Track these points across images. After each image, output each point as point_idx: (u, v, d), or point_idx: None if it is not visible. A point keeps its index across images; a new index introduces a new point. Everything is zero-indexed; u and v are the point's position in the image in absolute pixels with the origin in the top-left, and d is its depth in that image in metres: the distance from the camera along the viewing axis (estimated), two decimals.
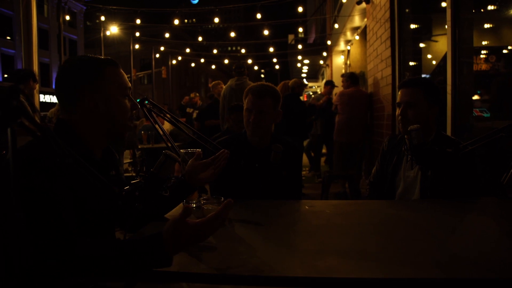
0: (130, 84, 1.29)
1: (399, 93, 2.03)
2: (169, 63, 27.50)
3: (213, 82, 6.87)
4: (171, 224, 0.95)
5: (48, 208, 0.96)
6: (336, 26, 10.62)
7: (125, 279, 0.97)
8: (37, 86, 4.36)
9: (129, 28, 18.34)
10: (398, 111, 2.00)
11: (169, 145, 1.76)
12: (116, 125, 1.23)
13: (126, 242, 0.97)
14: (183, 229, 0.95)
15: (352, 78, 5.71)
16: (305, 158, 7.30)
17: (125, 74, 1.28)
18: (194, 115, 8.21)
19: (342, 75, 6.09)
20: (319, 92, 10.47)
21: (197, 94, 9.19)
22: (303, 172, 6.65)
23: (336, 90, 7.28)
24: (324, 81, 8.65)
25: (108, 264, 0.92)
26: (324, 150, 7.55)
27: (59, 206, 0.98)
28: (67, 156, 1.02)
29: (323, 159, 7.75)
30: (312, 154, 7.28)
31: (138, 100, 1.70)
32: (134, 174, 7.07)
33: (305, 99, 8.73)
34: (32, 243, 0.93)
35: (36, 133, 1.02)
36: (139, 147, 6.52)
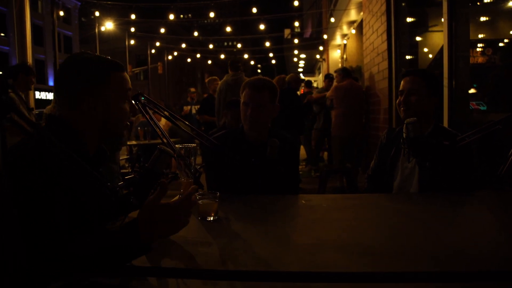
0: (130, 86, 1.27)
1: (402, 81, 2.07)
2: (165, 58, 27.38)
3: (209, 78, 6.78)
4: (145, 206, 0.96)
5: (40, 206, 0.95)
6: (332, 20, 10.60)
7: (119, 276, 0.96)
8: (33, 81, 4.31)
9: (124, 23, 18.23)
10: (400, 99, 2.04)
11: (165, 141, 1.74)
12: (113, 128, 1.22)
13: (104, 234, 0.97)
14: (158, 209, 0.96)
15: (344, 71, 5.71)
16: (302, 153, 7.29)
17: (127, 76, 1.25)
18: (194, 110, 8.19)
19: (335, 71, 6.09)
20: (317, 86, 10.46)
21: (192, 90, 9.12)
22: (300, 167, 6.64)
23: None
24: (321, 75, 8.60)
25: (90, 259, 0.92)
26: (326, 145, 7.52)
27: (51, 204, 0.96)
28: (60, 152, 1.00)
29: (325, 153, 7.73)
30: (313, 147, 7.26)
31: (133, 96, 1.68)
32: (130, 170, 7.04)
33: (302, 92, 8.65)
34: (25, 241, 0.92)
35: (27, 129, 1.01)
36: (135, 143, 6.50)
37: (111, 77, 1.18)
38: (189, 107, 8.68)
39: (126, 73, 1.25)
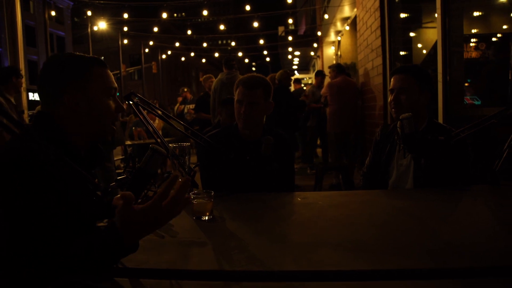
0: (116, 85, 1.24)
1: (391, 80, 2.04)
2: (159, 57, 27.26)
3: (204, 76, 6.79)
4: (117, 214, 0.91)
5: (28, 209, 0.92)
6: (326, 16, 10.58)
7: (111, 277, 0.94)
8: (23, 82, 4.27)
9: (117, 23, 18.13)
10: (391, 98, 2.02)
11: (158, 140, 1.72)
12: (97, 126, 1.19)
13: (88, 236, 0.93)
14: (131, 216, 0.89)
15: (338, 68, 5.69)
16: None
17: (111, 74, 1.24)
18: (186, 110, 8.15)
19: (329, 67, 6.08)
20: (311, 83, 10.44)
21: (185, 89, 9.07)
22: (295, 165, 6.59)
23: (326, 79, 7.24)
24: (315, 72, 8.53)
25: (79, 261, 0.89)
26: (318, 142, 7.53)
27: (39, 206, 0.94)
28: (48, 154, 0.98)
29: (319, 150, 7.73)
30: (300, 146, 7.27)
31: (125, 95, 1.66)
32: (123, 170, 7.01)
33: (296, 87, 8.51)
34: (16, 246, 0.90)
35: (14, 130, 0.99)
36: (130, 143, 6.46)
37: (92, 71, 1.16)
38: (182, 106, 8.63)
39: (108, 70, 1.23)
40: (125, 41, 21.44)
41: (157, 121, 5.80)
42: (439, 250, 1.08)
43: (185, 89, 9.02)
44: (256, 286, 0.95)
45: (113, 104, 1.21)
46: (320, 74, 7.32)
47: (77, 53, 1.21)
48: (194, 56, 27.13)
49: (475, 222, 1.39)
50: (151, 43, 20.81)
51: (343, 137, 5.46)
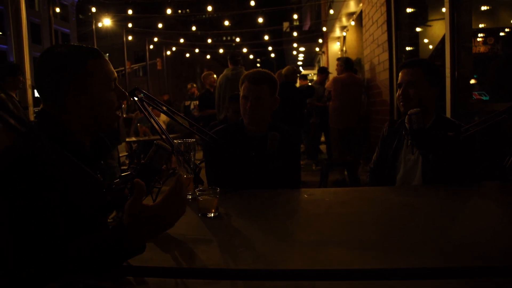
0: (115, 74, 1.20)
1: (400, 74, 2.01)
2: (164, 54, 27.25)
3: (205, 73, 6.82)
4: (126, 207, 0.89)
5: (32, 209, 0.91)
6: (331, 12, 10.50)
7: (117, 276, 0.93)
8: (21, 80, 4.25)
9: (121, 19, 18.12)
10: (399, 92, 1.98)
11: (164, 137, 1.71)
12: (101, 119, 1.16)
13: (95, 237, 0.92)
14: (139, 211, 0.88)
15: (347, 63, 5.61)
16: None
17: (109, 64, 1.19)
18: (192, 106, 8.16)
19: (338, 59, 6.01)
20: (314, 80, 10.41)
21: (194, 85, 9.06)
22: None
23: (330, 76, 7.20)
24: (319, 68, 8.49)
25: (84, 261, 0.88)
26: (322, 138, 7.50)
27: (43, 207, 0.92)
28: (52, 152, 0.97)
29: (323, 147, 7.71)
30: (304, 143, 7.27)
31: (129, 91, 1.65)
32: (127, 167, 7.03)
33: (302, 83, 8.46)
34: (16, 246, 0.89)
35: (18, 128, 0.97)
36: (135, 139, 6.47)
37: (89, 66, 1.11)
38: (188, 102, 8.65)
39: (106, 60, 1.17)
40: (130, 38, 21.42)
41: (163, 117, 5.79)
42: (449, 248, 1.06)
43: (194, 85, 9.03)
44: (263, 285, 0.93)
45: (114, 95, 1.18)
46: (324, 71, 7.27)
47: (69, 44, 1.14)
48: (198, 52, 27.11)
49: (485, 220, 1.36)
50: (155, 39, 20.80)
51: (347, 133, 5.42)
